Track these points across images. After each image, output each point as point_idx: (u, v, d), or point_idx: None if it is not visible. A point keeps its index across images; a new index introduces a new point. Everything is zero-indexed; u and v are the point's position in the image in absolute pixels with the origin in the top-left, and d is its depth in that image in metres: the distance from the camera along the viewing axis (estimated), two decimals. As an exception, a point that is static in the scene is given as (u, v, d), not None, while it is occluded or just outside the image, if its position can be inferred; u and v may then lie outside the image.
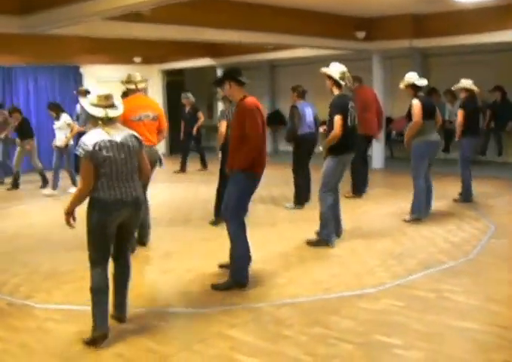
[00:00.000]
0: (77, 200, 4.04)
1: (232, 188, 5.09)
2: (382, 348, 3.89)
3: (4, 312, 4.74)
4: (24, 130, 11.04)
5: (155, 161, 6.41)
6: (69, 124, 10.41)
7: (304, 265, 5.78)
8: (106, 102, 4.09)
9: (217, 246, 6.54)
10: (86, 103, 4.11)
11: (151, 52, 13.90)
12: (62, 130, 10.31)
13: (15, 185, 11.18)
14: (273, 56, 13.56)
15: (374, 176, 10.82)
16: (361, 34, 10.99)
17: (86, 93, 13.13)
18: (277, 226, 7.41)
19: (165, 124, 6.65)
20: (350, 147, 6.46)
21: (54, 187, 10.38)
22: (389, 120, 12.85)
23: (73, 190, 10.66)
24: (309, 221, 7.06)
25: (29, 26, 6.58)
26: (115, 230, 4.12)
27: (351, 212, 7.88)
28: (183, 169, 12.94)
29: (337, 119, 6.28)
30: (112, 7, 5.52)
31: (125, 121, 6.30)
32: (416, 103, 7.24)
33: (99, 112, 4.06)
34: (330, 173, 6.44)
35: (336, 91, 6.36)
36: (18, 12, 6.48)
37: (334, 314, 4.46)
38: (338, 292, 4.95)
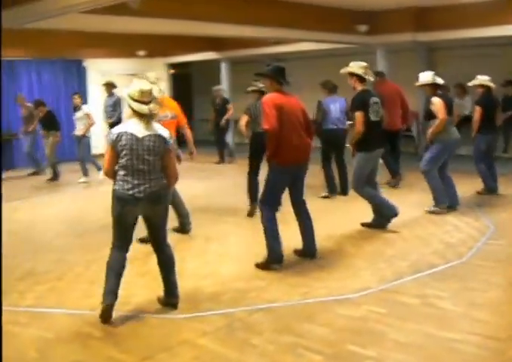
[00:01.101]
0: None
1: (266, 179, 5.56)
2: (353, 361, 3.68)
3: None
4: (49, 123, 11.42)
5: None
6: (87, 115, 10.94)
7: (285, 267, 5.55)
8: (148, 98, 4.17)
9: (203, 246, 6.41)
10: (128, 97, 4.19)
11: (155, 45, 13.76)
12: (81, 121, 10.85)
13: (55, 177, 11.48)
14: (277, 50, 13.34)
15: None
16: (362, 27, 10.74)
17: (113, 86, 13.17)
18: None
19: (185, 120, 6.79)
20: (377, 143, 6.53)
21: (86, 173, 10.99)
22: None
23: (83, 179, 10.98)
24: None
25: (13, 19, 6.40)
26: (136, 221, 4.39)
27: (346, 210, 7.66)
28: (222, 160, 13.30)
29: (358, 116, 6.40)
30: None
31: None
32: (438, 101, 7.25)
33: (143, 109, 4.14)
34: (358, 170, 6.62)
35: (359, 87, 6.45)
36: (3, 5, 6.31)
37: (308, 320, 4.26)
38: (317, 297, 4.73)
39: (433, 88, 7.36)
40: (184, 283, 5.16)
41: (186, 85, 18.06)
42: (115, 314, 4.41)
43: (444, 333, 3.97)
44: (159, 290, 5.00)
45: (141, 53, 15.07)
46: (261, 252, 5.64)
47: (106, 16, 8.10)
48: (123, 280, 5.34)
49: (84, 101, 14.04)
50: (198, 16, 8.77)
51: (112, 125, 13.21)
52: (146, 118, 4.20)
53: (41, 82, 13.87)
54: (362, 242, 6.34)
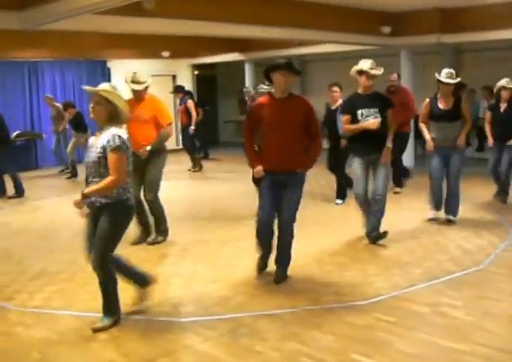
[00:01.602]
0: (102, 191, 3.99)
1: None
2: (355, 370, 3.60)
3: (-21, 314, 4.62)
4: (77, 124, 11.61)
5: None
6: None
7: (296, 272, 5.44)
8: None
9: (217, 249, 6.38)
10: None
11: (179, 46, 13.77)
12: None
13: (73, 173, 11.75)
14: (303, 51, 13.25)
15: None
16: (386, 29, 10.57)
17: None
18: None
19: (165, 121, 6.53)
20: (369, 148, 6.13)
21: None
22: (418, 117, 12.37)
23: None
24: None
25: (27, 21, 6.44)
26: None
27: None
28: None
29: (342, 119, 6.22)
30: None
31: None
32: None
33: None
34: (353, 174, 6.39)
35: (365, 83, 6.15)
36: (16, 7, 6.36)
37: (314, 327, 4.17)
38: (325, 303, 4.65)
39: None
40: (193, 286, 5.16)
41: (211, 86, 18.07)
42: (121, 316, 4.41)
43: (452, 344, 3.85)
44: (168, 293, 5.00)
45: (165, 54, 15.11)
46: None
47: (126, 17, 8.07)
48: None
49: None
50: (221, 17, 8.71)
51: None
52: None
53: (64, 83, 13.97)
54: (376, 247, 6.22)
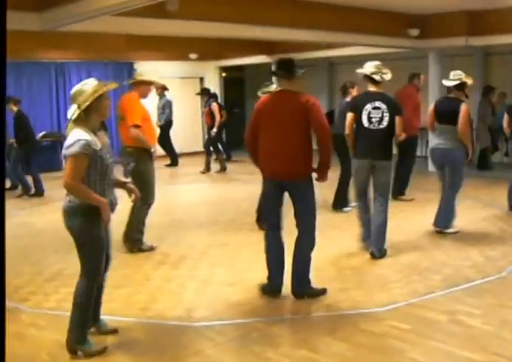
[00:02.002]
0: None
1: None
2: (366, 379, 3.52)
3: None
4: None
5: None
6: None
7: (313, 277, 5.38)
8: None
9: (236, 252, 6.33)
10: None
11: (207, 48, 13.79)
12: None
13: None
14: (330, 53, 13.16)
15: (418, 178, 9.93)
16: (414, 31, 10.42)
17: (164, 89, 13.35)
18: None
19: (131, 122, 6.05)
20: (365, 151, 5.91)
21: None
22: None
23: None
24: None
25: (47, 22, 6.49)
26: None
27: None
28: None
29: (347, 117, 6.08)
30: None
31: (146, 120, 6.23)
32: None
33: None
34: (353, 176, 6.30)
35: (371, 88, 6.00)
36: (36, 8, 6.41)
37: (328, 334, 4.10)
38: (340, 309, 4.57)
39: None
40: (209, 289, 5.13)
41: (239, 89, 18.05)
42: (133, 320, 4.40)
43: (467, 353, 3.74)
44: (182, 296, 4.97)
45: (193, 56, 15.16)
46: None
47: (149, 19, 8.07)
48: (149, 283, 5.34)
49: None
50: (247, 19, 8.68)
51: (160, 128, 13.47)
52: None
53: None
54: (396, 252, 6.10)
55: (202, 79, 16.27)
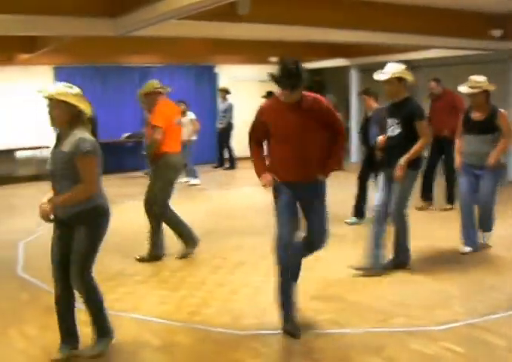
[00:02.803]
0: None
1: None
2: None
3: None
4: None
5: None
6: (192, 121, 11.59)
7: (370, 289, 5.22)
8: None
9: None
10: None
11: (287, 52, 13.70)
12: (187, 126, 11.11)
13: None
14: (407, 56, 12.76)
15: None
16: (497, 32, 9.85)
17: (227, 92, 13.53)
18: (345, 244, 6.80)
19: None
20: (387, 161, 5.62)
21: (193, 175, 11.49)
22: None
23: (195, 181, 11.35)
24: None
25: (120, 27, 6.62)
26: None
27: (446, 227, 7.11)
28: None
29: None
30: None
31: (170, 124, 6.22)
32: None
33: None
34: None
35: (404, 94, 5.51)
36: (109, 14, 6.55)
37: (374, 353, 3.93)
38: (393, 326, 4.37)
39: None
40: (261, 297, 5.05)
41: (318, 92, 17.83)
42: (180, 324, 4.40)
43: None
44: (232, 303, 4.93)
45: (273, 59, 15.13)
46: (348, 270, 5.45)
47: (224, 23, 8.11)
48: (202, 288, 5.31)
49: (214, 107, 14.52)
50: (325, 22, 8.57)
51: (222, 131, 13.59)
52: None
53: (173, 87, 14.31)
54: (460, 266, 5.81)
55: (281, 83, 16.22)
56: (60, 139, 3.73)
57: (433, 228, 7.33)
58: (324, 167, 4.42)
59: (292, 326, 4.25)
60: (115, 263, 6.12)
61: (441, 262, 6.02)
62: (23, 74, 12.42)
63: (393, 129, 5.48)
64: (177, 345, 4.12)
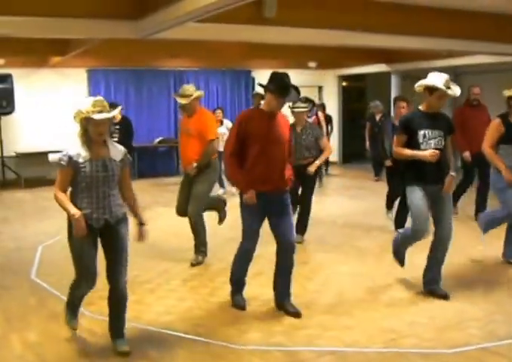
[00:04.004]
0: None
1: None
2: None
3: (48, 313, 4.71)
4: None
5: None
6: (228, 129, 11.07)
7: (382, 307, 5.01)
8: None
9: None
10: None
11: (326, 57, 13.57)
12: (224, 136, 10.77)
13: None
14: (451, 63, 12.42)
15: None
16: (546, 38, 9.45)
17: (262, 98, 13.38)
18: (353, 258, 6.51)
19: None
20: (430, 176, 5.13)
21: (222, 185, 11.14)
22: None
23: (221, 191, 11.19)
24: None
25: (142, 30, 6.59)
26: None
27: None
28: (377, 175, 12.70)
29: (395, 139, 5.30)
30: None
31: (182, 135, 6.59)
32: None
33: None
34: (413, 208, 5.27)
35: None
36: (132, 16, 6.52)
37: (377, 374, 3.74)
38: (402, 347, 4.16)
39: None
40: (268, 311, 4.90)
41: (360, 98, 17.62)
42: (181, 335, 4.30)
43: None
44: (240, 316, 4.79)
45: (312, 64, 14.98)
46: (368, 285, 5.35)
47: (257, 26, 7.98)
48: (212, 300, 5.19)
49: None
50: (365, 27, 8.37)
51: None
52: None
53: (208, 92, 14.29)
54: (482, 283, 5.53)
55: (320, 88, 16.06)
56: None
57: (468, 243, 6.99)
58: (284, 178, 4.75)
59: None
60: (130, 269, 6.03)
61: (467, 279, 5.76)
62: (58, 76, 12.60)
63: (439, 141, 5.07)
64: (175, 356, 4.02)
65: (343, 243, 7.21)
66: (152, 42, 9.40)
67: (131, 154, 10.07)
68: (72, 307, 4.29)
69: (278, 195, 4.71)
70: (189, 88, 6.22)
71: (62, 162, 3.85)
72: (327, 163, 13.59)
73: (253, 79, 14.95)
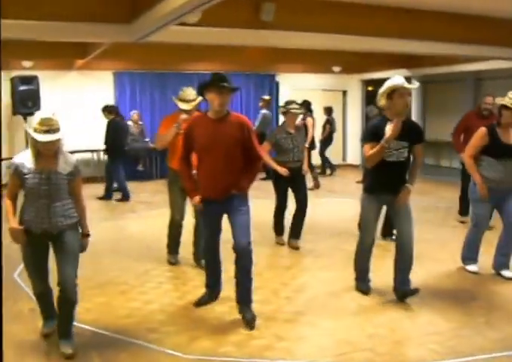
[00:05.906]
0: None
1: None
2: None
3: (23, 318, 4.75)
4: None
5: None
6: None
7: (348, 316, 4.85)
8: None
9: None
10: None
11: (350, 61, 13.44)
12: None
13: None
14: (472, 67, 12.07)
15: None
16: None
17: (269, 103, 13.27)
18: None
19: None
20: (387, 185, 5.06)
21: None
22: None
23: None
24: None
25: (134, 33, 6.63)
26: None
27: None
28: None
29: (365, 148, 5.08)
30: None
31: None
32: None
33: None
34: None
35: None
36: (124, 20, 6.56)
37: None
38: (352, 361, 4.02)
39: None
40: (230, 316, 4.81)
41: (371, 102, 17.30)
42: (131, 340, 4.27)
43: None
44: (187, 323, 4.73)
45: (336, 69, 14.84)
46: (342, 291, 5.30)
47: (263, 31, 7.92)
48: (172, 301, 5.14)
49: (274, 115, 14.34)
50: (388, 32, 8.29)
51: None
52: None
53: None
54: (456, 295, 5.34)
55: (344, 92, 15.90)
56: None
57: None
58: (238, 183, 4.65)
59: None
60: (108, 270, 6.11)
61: (441, 290, 5.55)
62: (84, 79, 12.80)
63: (401, 153, 4.90)
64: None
65: (333, 247, 7.09)
66: (178, 45, 9.55)
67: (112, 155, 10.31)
68: (43, 313, 4.40)
69: (227, 201, 4.64)
70: (191, 93, 5.98)
71: (10, 169, 3.94)
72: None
73: (277, 83, 14.89)
